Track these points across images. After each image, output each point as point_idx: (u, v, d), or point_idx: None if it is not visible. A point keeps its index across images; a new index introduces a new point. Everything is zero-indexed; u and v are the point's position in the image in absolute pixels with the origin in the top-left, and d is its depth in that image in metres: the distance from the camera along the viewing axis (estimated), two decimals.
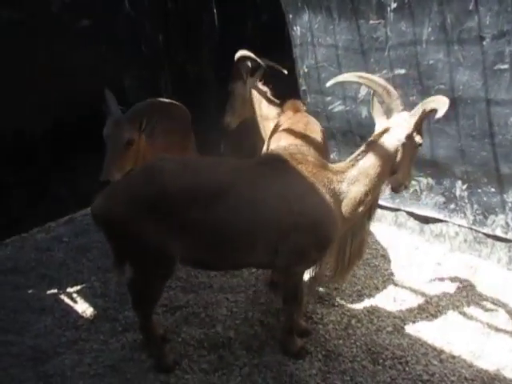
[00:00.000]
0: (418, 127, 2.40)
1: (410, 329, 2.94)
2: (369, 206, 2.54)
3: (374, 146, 2.42)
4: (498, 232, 3.37)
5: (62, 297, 3.30)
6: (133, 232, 2.28)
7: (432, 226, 3.80)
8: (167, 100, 3.57)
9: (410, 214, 3.92)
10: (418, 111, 2.36)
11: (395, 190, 2.62)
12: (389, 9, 3.31)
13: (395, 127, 2.40)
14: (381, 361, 2.70)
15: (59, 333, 2.95)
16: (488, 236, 3.47)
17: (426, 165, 3.59)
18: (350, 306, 3.15)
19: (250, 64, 3.62)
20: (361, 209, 2.49)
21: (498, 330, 2.91)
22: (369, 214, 2.64)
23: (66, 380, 2.61)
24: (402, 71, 3.43)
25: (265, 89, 3.74)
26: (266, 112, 3.71)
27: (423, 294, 3.23)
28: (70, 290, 3.36)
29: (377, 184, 2.46)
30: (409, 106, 2.45)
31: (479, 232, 3.51)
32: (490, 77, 3.01)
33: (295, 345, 2.74)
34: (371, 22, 3.45)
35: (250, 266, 3.04)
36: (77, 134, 3.76)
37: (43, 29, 3.66)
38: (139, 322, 2.64)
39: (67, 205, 4.17)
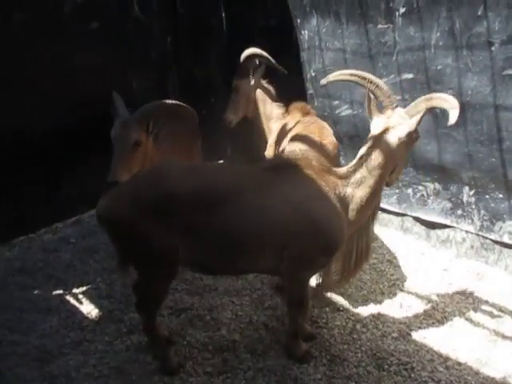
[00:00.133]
0: (419, 124, 2.36)
1: (415, 335, 2.92)
2: (374, 207, 2.54)
3: (376, 148, 2.39)
4: (506, 238, 3.35)
5: (68, 297, 3.31)
6: (137, 234, 2.29)
7: (439, 232, 3.78)
8: (175, 101, 3.58)
9: (417, 219, 3.90)
10: (419, 108, 2.31)
11: (388, 184, 2.61)
12: (397, 13, 3.31)
13: (395, 126, 2.36)
14: (386, 366, 2.69)
15: (64, 333, 2.96)
16: (495, 242, 3.45)
17: (433, 170, 3.58)
18: (355, 310, 3.13)
19: (257, 62, 3.62)
20: (367, 211, 2.48)
21: (504, 337, 2.88)
22: (373, 216, 2.63)
23: (71, 381, 2.62)
24: (410, 76, 3.42)
25: (269, 88, 3.74)
26: (270, 111, 3.71)
27: (429, 300, 3.21)
28: (75, 290, 3.37)
29: (381, 185, 2.46)
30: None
31: (486, 238, 3.48)
32: (498, 82, 3.00)
33: (300, 349, 2.73)
34: (379, 26, 3.45)
35: (255, 272, 3.03)
36: (85, 134, 3.78)
37: (53, 31, 3.69)
38: (143, 323, 2.65)
39: (75, 206, 4.19)
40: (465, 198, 3.49)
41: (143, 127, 2.97)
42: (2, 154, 3.60)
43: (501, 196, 3.28)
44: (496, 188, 3.27)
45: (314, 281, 2.80)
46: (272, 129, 3.68)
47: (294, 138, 3.19)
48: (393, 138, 2.37)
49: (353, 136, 4.01)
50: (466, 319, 3.04)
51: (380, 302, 3.21)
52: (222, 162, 5.16)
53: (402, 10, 3.28)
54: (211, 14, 4.83)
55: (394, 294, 3.29)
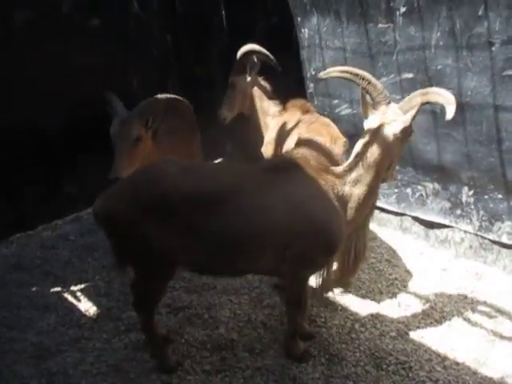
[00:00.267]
0: (414, 119, 2.33)
1: (414, 334, 2.92)
2: (371, 206, 2.53)
3: (371, 145, 2.37)
4: (504, 239, 3.35)
5: (66, 295, 3.31)
6: (134, 232, 2.28)
7: (437, 232, 3.78)
8: (172, 95, 3.54)
9: (416, 219, 3.90)
10: (413, 103, 2.29)
11: (385, 180, 2.59)
12: (398, 13, 3.31)
13: (390, 122, 2.33)
14: (384, 366, 2.69)
15: (62, 331, 2.96)
16: (494, 242, 3.45)
17: (432, 170, 3.58)
18: (353, 310, 3.13)
19: (255, 59, 3.61)
20: (365, 210, 2.48)
21: (502, 337, 2.88)
22: (369, 214, 2.63)
23: (69, 378, 2.62)
24: (410, 75, 3.42)
25: (266, 85, 3.73)
26: (267, 108, 3.69)
27: (428, 300, 3.21)
28: (74, 288, 3.37)
29: (378, 182, 2.45)
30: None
31: (485, 238, 3.48)
32: (498, 83, 3.00)
33: (298, 348, 2.73)
34: (380, 25, 3.45)
35: (255, 272, 3.01)
36: (86, 133, 3.77)
37: (53, 29, 3.68)
38: (140, 322, 2.65)
39: (74, 203, 4.17)
40: (464, 198, 3.49)
41: (142, 123, 2.97)
42: (2, 153, 3.60)
43: (500, 196, 3.28)
44: (495, 188, 3.28)
45: (313, 281, 2.79)
46: (269, 125, 3.66)
47: (301, 143, 3.08)
48: (388, 135, 2.34)
49: (352, 135, 3.98)
50: (465, 319, 3.04)
51: (378, 302, 3.21)
52: (221, 160, 5.15)
53: (403, 10, 3.28)
54: (212, 12, 4.82)
55: (393, 294, 3.29)
